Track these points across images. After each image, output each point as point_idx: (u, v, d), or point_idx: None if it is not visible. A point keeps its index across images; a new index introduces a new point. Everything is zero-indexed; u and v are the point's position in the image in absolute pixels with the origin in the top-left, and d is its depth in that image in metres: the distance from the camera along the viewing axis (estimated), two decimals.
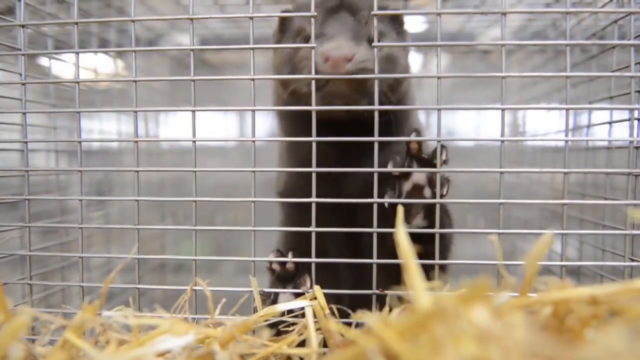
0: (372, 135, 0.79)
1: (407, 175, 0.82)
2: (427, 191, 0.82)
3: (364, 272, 0.87)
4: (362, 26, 0.89)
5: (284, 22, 1.01)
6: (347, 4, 0.93)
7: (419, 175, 0.82)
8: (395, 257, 0.78)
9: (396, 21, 1.01)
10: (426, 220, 0.83)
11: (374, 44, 0.80)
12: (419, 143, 0.81)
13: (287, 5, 1.44)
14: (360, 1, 0.94)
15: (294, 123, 0.98)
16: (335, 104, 0.85)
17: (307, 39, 0.88)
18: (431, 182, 0.82)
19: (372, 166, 0.80)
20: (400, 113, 0.90)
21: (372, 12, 0.80)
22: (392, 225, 0.79)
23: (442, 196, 0.81)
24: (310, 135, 0.80)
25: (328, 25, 0.89)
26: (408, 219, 0.82)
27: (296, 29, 0.95)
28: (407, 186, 0.82)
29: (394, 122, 0.85)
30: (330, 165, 0.80)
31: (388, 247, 0.80)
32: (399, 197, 0.82)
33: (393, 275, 0.79)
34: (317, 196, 0.81)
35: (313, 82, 0.80)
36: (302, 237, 0.84)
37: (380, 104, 0.81)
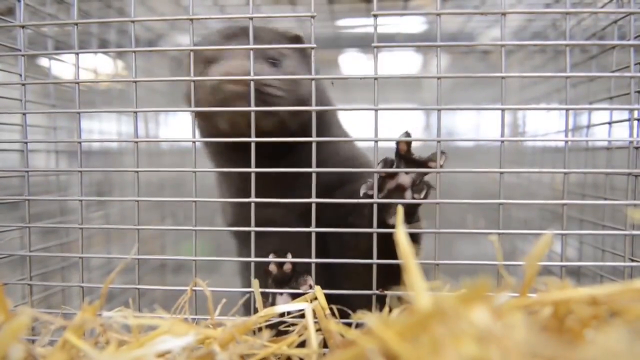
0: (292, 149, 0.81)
1: (392, 175, 0.82)
2: (408, 193, 0.81)
3: (334, 277, 0.89)
4: (260, 48, 0.90)
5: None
6: (247, 30, 0.95)
7: (404, 176, 0.82)
8: (369, 258, 0.80)
9: (299, 43, 1.01)
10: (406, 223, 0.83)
11: (373, 44, 0.80)
12: (408, 144, 0.81)
13: (287, 6, 1.44)
14: (261, 27, 0.97)
15: (222, 154, 1.02)
16: (239, 120, 0.86)
17: (209, 62, 0.92)
18: (414, 185, 0.82)
19: (309, 179, 0.81)
20: (320, 125, 0.85)
21: (372, 13, 0.80)
22: (366, 225, 0.80)
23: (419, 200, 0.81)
24: (242, 163, 0.81)
25: (228, 50, 0.91)
26: (386, 218, 0.82)
27: (202, 58, 0.97)
28: (390, 185, 0.82)
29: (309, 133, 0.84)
30: (271, 183, 0.82)
31: (361, 248, 0.80)
32: (379, 195, 0.82)
33: (369, 278, 0.80)
34: (269, 208, 0.81)
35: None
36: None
37: (282, 126, 0.86)
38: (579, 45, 1.22)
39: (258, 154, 0.81)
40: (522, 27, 1.57)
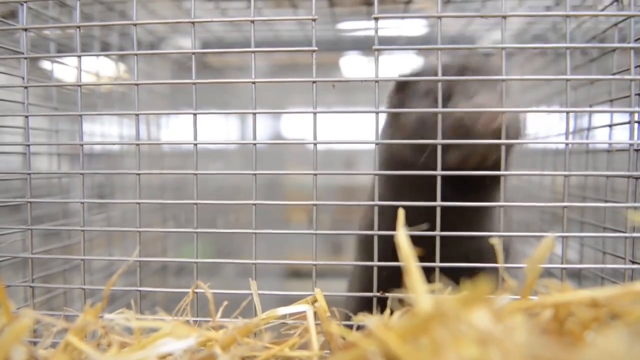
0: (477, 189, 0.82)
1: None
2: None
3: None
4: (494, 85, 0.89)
5: (403, 84, 1.00)
6: (471, 67, 0.95)
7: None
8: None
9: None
10: None
11: (374, 47, 0.80)
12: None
13: (288, 9, 1.45)
14: (482, 64, 0.97)
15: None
16: (472, 161, 0.85)
17: (436, 100, 0.81)
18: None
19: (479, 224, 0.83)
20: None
21: (373, 16, 0.80)
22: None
23: None
24: (415, 196, 0.78)
25: (466, 83, 0.90)
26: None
27: (424, 90, 0.96)
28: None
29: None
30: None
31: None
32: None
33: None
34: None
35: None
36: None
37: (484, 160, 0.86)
38: (580, 48, 1.22)
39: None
40: (523, 30, 1.57)
